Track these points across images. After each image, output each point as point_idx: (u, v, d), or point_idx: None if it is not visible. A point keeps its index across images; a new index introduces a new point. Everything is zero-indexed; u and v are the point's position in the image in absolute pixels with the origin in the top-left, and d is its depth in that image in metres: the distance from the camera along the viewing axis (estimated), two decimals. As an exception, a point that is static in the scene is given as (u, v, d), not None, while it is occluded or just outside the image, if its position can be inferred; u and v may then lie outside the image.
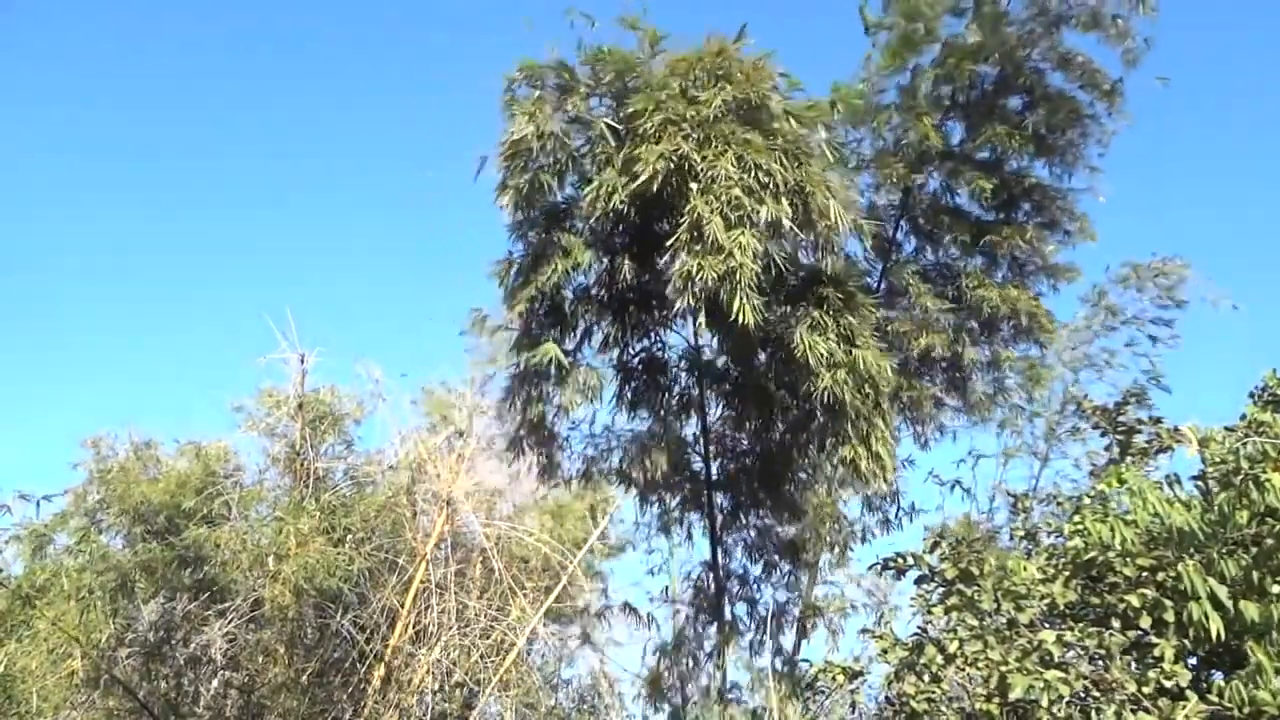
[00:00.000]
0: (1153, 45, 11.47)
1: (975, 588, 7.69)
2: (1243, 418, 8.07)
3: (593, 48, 9.80)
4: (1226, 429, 8.03)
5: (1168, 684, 6.65)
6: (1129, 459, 9.83)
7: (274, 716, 9.25)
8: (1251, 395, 8.77)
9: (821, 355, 9.47)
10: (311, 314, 10.85)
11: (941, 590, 8.18)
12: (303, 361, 10.10)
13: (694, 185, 8.92)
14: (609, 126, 9.49)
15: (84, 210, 37.41)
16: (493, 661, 9.39)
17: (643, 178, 8.90)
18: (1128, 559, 7.28)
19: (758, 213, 8.81)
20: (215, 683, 9.61)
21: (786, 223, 8.94)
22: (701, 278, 8.68)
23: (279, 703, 9.21)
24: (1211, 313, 13.89)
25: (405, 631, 9.43)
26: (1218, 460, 7.50)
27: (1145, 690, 6.62)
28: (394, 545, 9.89)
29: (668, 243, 9.11)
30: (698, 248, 8.79)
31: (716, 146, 8.94)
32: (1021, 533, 9.31)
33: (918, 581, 8.53)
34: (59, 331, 36.77)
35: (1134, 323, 14.08)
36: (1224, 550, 6.94)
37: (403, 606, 9.45)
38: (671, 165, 8.91)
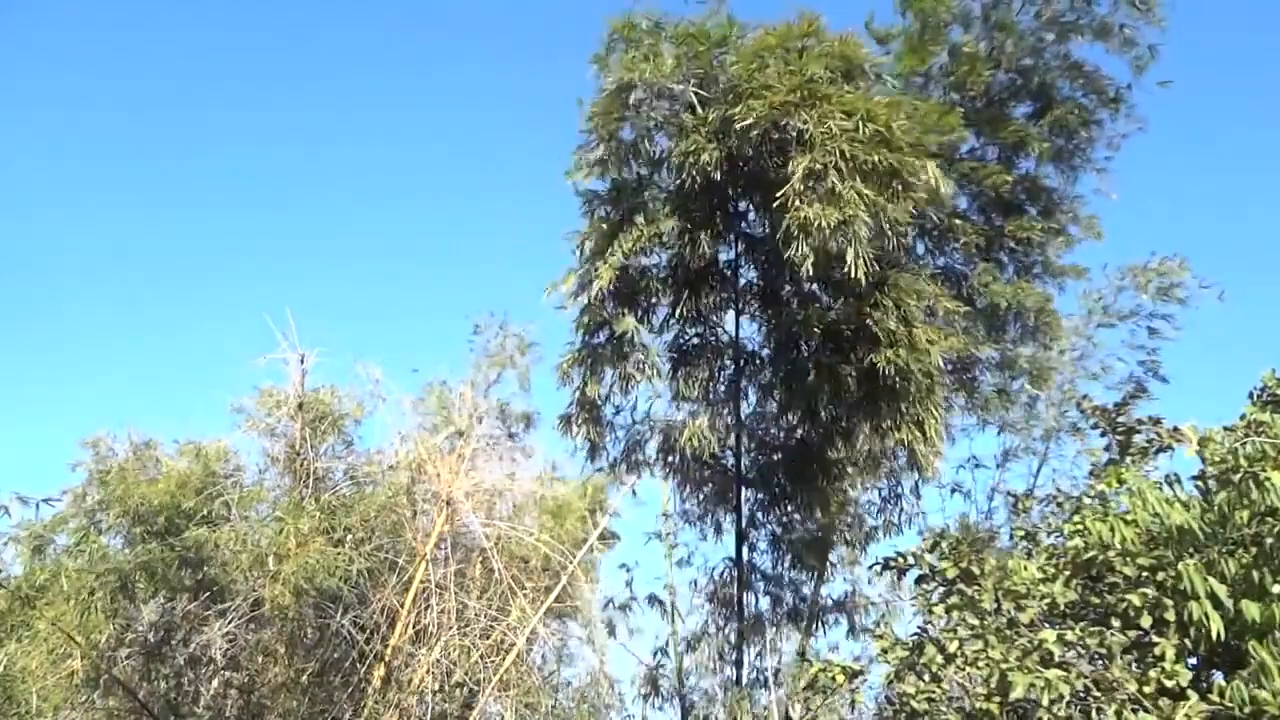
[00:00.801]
0: (1158, 54, 11.56)
1: (976, 587, 7.69)
2: (1242, 417, 8.08)
3: (680, 23, 10.02)
4: (1226, 429, 8.04)
5: (1168, 683, 6.65)
6: (1129, 459, 9.83)
7: (274, 716, 9.25)
8: (1251, 395, 8.77)
9: (887, 332, 9.63)
10: (311, 314, 10.83)
11: (942, 590, 8.18)
12: (303, 361, 10.10)
13: (817, 133, 9.00)
14: (697, 95, 9.61)
15: (84, 210, 37.41)
16: (493, 661, 9.38)
17: (754, 132, 9.04)
18: (1128, 558, 7.28)
19: (869, 163, 8.94)
20: (215, 683, 9.60)
21: (913, 173, 9.08)
22: (819, 226, 8.75)
23: (279, 703, 9.21)
24: (1211, 313, 13.92)
25: (405, 631, 9.42)
26: (1217, 460, 7.50)
27: (1146, 690, 6.62)
28: (394, 545, 9.88)
29: (778, 194, 9.14)
30: (813, 197, 8.86)
31: (821, 105, 9.08)
32: (1021, 533, 9.31)
33: (918, 581, 8.53)
34: (59, 331, 36.77)
35: (1131, 318, 14.12)
36: (1224, 550, 6.95)
37: (403, 606, 9.44)
38: (776, 121, 9.05)
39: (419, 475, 10.25)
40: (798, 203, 9.00)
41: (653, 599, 13.50)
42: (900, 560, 8.80)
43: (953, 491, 13.84)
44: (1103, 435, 10.53)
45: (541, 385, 12.76)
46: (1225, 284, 13.91)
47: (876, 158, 9.06)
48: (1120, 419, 10.37)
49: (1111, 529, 7.40)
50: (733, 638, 12.02)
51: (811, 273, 9.32)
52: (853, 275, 8.99)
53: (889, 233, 9.43)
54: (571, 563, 9.97)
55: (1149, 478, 8.34)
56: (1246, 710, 6.35)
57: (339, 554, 9.05)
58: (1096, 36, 11.88)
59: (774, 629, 12.06)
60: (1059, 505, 9.90)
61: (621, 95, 10.02)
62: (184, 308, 37.88)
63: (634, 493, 12.46)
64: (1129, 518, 7.50)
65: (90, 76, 38.71)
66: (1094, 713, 6.65)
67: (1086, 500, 8.68)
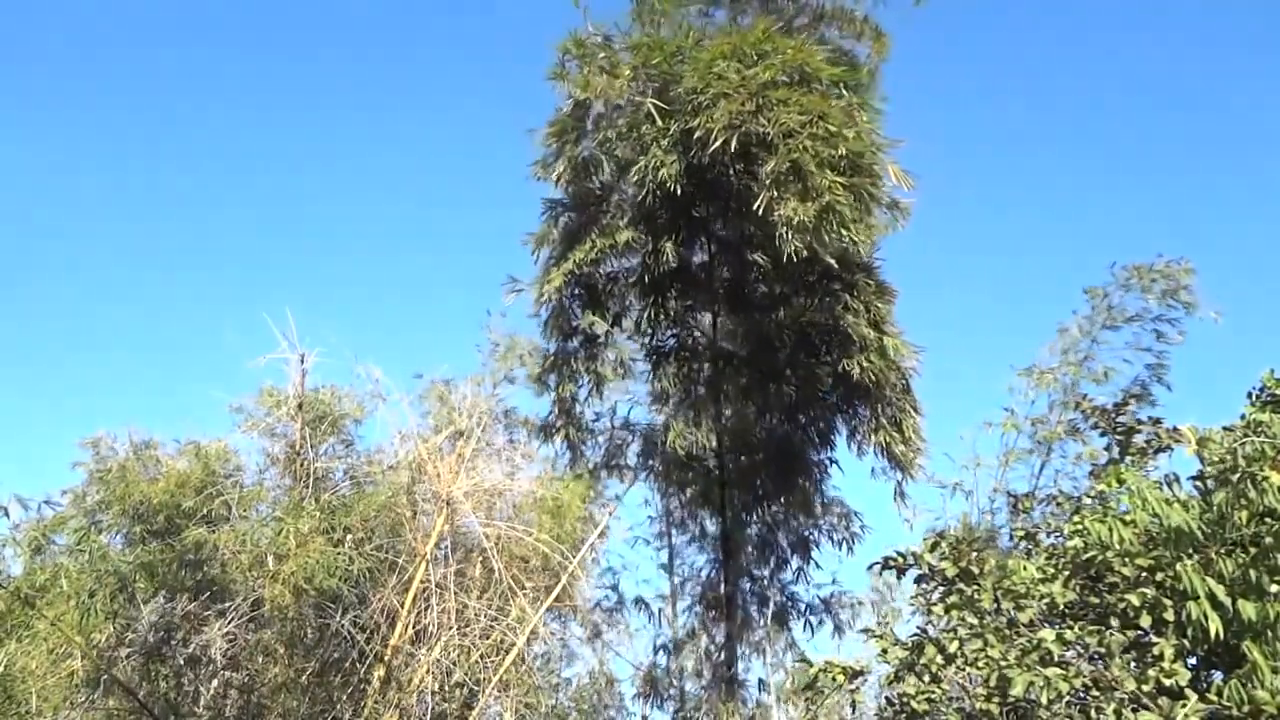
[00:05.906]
0: None
1: (975, 587, 7.70)
2: (1241, 418, 8.08)
3: (636, 34, 9.99)
4: (1225, 429, 8.04)
5: (1167, 683, 6.66)
6: (1128, 459, 9.83)
7: (274, 716, 9.25)
8: (1250, 395, 8.77)
9: (862, 338, 9.67)
10: (312, 314, 10.84)
11: (942, 589, 8.18)
12: (303, 361, 10.11)
13: (778, 134, 9.02)
14: (656, 107, 9.58)
15: (84, 209, 37.44)
16: (493, 661, 9.39)
17: (715, 143, 9.07)
18: (1127, 559, 7.29)
19: (834, 156, 9.04)
20: (215, 683, 9.60)
21: (875, 168, 9.13)
22: (800, 222, 8.86)
23: (279, 703, 9.22)
24: (1210, 313, 13.88)
25: (405, 631, 9.43)
26: (1216, 460, 7.51)
27: (1145, 689, 6.63)
28: (394, 545, 9.88)
29: (757, 201, 9.20)
30: (790, 194, 8.94)
31: (778, 109, 9.14)
32: (1021, 533, 9.32)
33: (918, 580, 8.53)
34: (60, 332, 36.81)
35: (1135, 321, 14.08)
36: (1222, 550, 6.96)
37: (403, 606, 9.45)
38: (735, 129, 9.07)
39: (419, 475, 10.26)
40: (775, 205, 9.05)
41: (639, 601, 13.48)
42: (900, 560, 8.81)
43: (954, 490, 13.84)
44: (1102, 435, 10.54)
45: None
46: (1225, 283, 13.89)
47: (841, 150, 9.13)
48: (1120, 419, 10.39)
49: (1110, 529, 7.41)
50: (720, 639, 12.02)
51: (790, 271, 9.37)
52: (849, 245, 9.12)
53: (863, 223, 9.45)
54: (571, 563, 9.98)
55: (1148, 478, 8.34)
56: (1245, 709, 6.35)
57: (339, 554, 9.05)
58: None
59: (761, 630, 12.08)
60: (1059, 505, 9.92)
61: (580, 110, 10.02)
62: (184, 307, 37.99)
63: (618, 498, 12.52)
64: (1128, 518, 7.51)
65: (92, 78, 38.77)
66: (1093, 712, 6.66)
67: (1086, 500, 8.68)
